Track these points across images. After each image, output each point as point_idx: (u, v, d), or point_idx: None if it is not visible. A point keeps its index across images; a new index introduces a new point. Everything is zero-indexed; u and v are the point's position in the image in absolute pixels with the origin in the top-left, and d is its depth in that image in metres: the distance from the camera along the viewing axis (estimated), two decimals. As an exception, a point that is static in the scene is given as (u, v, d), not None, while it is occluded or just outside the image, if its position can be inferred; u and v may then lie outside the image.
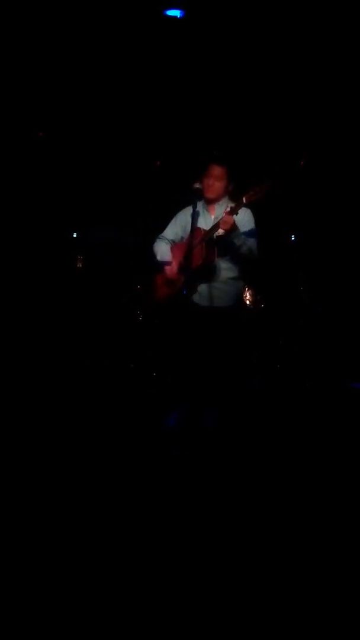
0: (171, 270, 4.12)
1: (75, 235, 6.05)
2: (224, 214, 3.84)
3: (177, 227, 4.24)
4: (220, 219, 3.84)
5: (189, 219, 4.11)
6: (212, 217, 4.09)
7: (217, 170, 4.04)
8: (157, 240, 4.28)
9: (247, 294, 5.44)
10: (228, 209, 3.91)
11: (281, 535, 2.77)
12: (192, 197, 4.07)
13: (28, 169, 5.92)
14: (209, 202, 4.08)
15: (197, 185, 4.00)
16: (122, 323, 5.53)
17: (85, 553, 2.57)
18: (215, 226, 3.90)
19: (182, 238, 4.22)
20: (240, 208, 3.83)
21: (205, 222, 4.05)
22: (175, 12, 5.44)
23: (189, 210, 4.15)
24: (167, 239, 4.25)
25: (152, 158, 6.05)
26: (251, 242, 3.97)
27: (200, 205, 4.11)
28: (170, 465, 3.46)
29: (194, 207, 3.98)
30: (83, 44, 5.47)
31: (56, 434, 3.93)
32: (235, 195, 4.01)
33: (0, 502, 2.99)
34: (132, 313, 5.48)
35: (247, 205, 3.86)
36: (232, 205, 3.95)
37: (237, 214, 3.84)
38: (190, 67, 5.67)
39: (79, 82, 5.78)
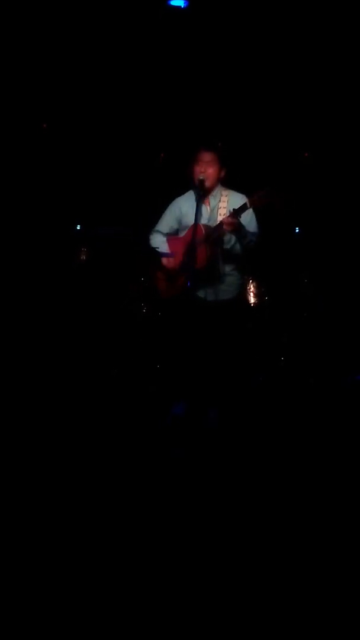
0: (173, 265, 4.05)
1: (79, 228, 6.04)
2: (227, 218, 3.76)
3: (172, 219, 4.15)
4: (223, 222, 3.77)
5: (184, 211, 4.08)
6: (209, 208, 4.02)
7: (207, 156, 3.97)
8: (153, 233, 4.19)
9: (251, 287, 5.42)
10: (230, 202, 3.89)
11: (282, 534, 2.77)
12: (189, 188, 4.06)
13: (31, 161, 5.90)
14: (204, 193, 3.99)
15: (200, 177, 3.95)
16: (126, 317, 5.52)
17: (85, 551, 2.58)
18: (219, 227, 3.85)
19: (177, 231, 4.15)
20: (244, 211, 3.75)
21: (202, 214, 3.96)
22: (179, 2, 5.40)
23: (182, 202, 4.13)
24: (162, 233, 4.16)
25: (156, 151, 6.03)
26: (254, 236, 3.96)
27: (195, 197, 4.08)
28: (169, 464, 3.45)
29: (198, 202, 3.95)
30: (86, 36, 5.44)
31: (57, 430, 3.93)
32: (236, 188, 3.99)
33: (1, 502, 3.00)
34: (136, 306, 5.47)
35: (250, 208, 3.79)
36: (230, 195, 3.95)
37: (240, 216, 3.78)
38: (194, 59, 5.63)
39: (82, 74, 5.75)
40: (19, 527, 2.73)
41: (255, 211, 3.97)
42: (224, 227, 3.78)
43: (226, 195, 4.02)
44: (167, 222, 4.17)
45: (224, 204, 3.97)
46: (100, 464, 3.45)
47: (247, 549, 2.65)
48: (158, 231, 4.19)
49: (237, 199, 3.90)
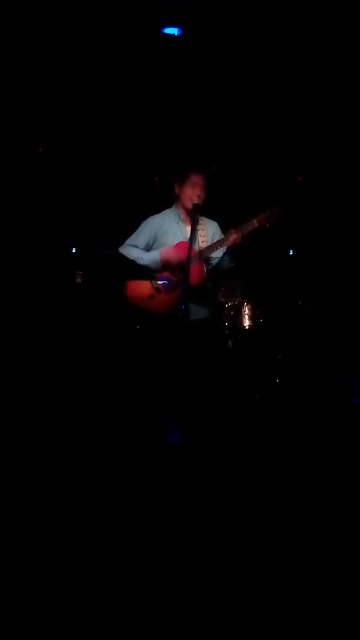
0: (172, 282, 4.05)
1: (74, 250, 6.07)
2: (232, 233, 3.83)
3: (149, 236, 4.15)
4: (228, 238, 3.84)
5: (164, 229, 4.12)
6: (188, 228, 4.04)
7: (201, 179, 4.05)
8: (128, 247, 4.16)
9: (246, 308, 5.44)
10: (206, 226, 4.02)
11: (282, 535, 2.77)
12: (175, 208, 4.12)
13: (27, 184, 5.95)
14: (186, 213, 4.07)
15: (195, 201, 4.02)
16: (120, 336, 5.53)
17: (85, 553, 2.58)
18: (217, 243, 3.92)
19: (150, 248, 4.15)
20: (250, 229, 3.82)
21: (183, 234, 4.03)
22: (173, 30, 5.50)
23: (162, 220, 4.17)
24: (138, 248, 4.15)
25: (151, 173, 6.10)
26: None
27: (174, 217, 4.13)
28: (169, 465, 3.46)
29: (193, 224, 4.00)
30: (82, 62, 5.53)
31: (57, 439, 3.95)
32: (234, 213, 4.07)
33: (1, 502, 3.01)
34: (131, 326, 5.48)
35: (257, 230, 3.84)
36: (204, 220, 4.06)
37: (243, 233, 3.83)
38: (188, 85, 5.72)
39: (78, 99, 5.83)
40: (19, 525, 2.73)
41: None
42: (225, 242, 3.84)
43: (202, 219, 4.10)
44: (143, 238, 4.16)
45: (202, 227, 4.06)
46: (101, 467, 3.46)
47: (246, 550, 2.65)
48: (134, 246, 4.17)
49: (211, 225, 4.08)
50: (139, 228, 4.20)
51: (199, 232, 4.03)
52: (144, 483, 3.38)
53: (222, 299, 5.47)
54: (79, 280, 5.99)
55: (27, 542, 2.68)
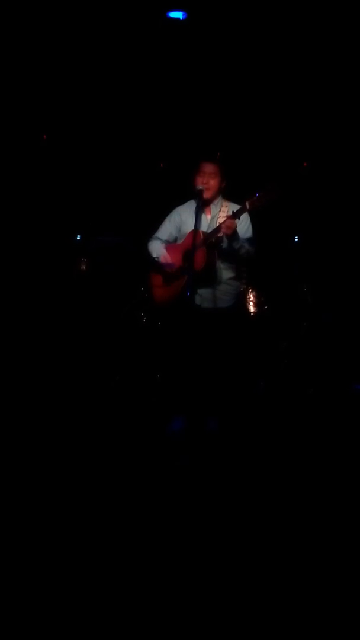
0: (171, 271, 4.09)
1: (79, 238, 6.06)
2: (226, 218, 3.82)
3: (171, 227, 4.21)
4: (223, 223, 3.82)
5: (183, 219, 4.13)
6: (209, 217, 4.08)
7: (209, 168, 4.04)
8: (152, 240, 4.24)
9: (251, 295, 5.43)
10: (230, 213, 3.92)
11: (282, 540, 2.77)
12: (191, 197, 4.11)
13: (32, 172, 5.93)
14: (205, 202, 4.05)
15: (199, 187, 4.00)
16: (126, 325, 5.52)
17: (88, 557, 2.58)
18: (217, 229, 3.89)
19: (175, 238, 4.20)
20: (243, 213, 3.81)
21: (202, 222, 4.02)
22: (177, 14, 5.46)
23: (182, 210, 4.18)
24: (161, 239, 4.21)
25: (156, 160, 6.07)
26: (249, 245, 3.99)
27: (195, 206, 4.12)
28: (174, 471, 3.45)
29: (197, 210, 3.99)
30: (86, 47, 5.49)
31: (59, 440, 3.94)
32: (236, 198, 4.02)
33: (2, 506, 3.00)
34: (136, 316, 5.48)
35: (249, 211, 3.85)
36: (230, 206, 3.98)
37: (239, 218, 3.83)
38: (193, 70, 5.68)
39: (82, 85, 5.80)
40: (21, 532, 2.73)
41: (253, 219, 4.00)
42: (223, 229, 3.81)
43: (226, 206, 4.07)
44: (166, 229, 4.23)
45: (223, 213, 4.02)
46: (105, 471, 3.45)
47: (248, 554, 2.65)
48: (157, 238, 4.23)
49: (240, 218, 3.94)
50: (164, 221, 4.25)
51: (219, 220, 3.98)
52: (144, 479, 3.37)
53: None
54: (83, 267, 5.98)
55: (27, 538, 2.68)
